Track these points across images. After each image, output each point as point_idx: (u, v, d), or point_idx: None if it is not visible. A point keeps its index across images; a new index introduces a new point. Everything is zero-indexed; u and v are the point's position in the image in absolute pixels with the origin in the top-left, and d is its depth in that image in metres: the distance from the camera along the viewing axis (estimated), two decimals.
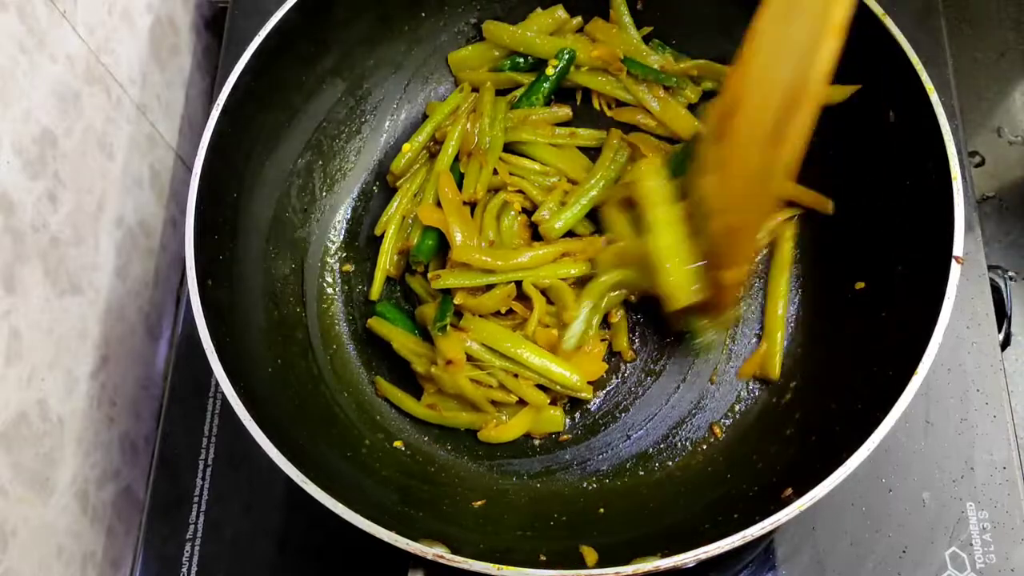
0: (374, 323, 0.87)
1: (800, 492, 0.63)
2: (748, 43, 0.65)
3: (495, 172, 0.90)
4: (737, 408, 0.84)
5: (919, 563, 0.78)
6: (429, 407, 0.84)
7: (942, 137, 0.73)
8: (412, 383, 0.86)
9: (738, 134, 0.66)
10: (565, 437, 0.84)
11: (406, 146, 0.93)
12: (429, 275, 0.86)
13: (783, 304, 0.86)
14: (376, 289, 0.90)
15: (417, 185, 0.93)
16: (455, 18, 0.98)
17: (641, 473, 0.82)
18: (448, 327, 0.82)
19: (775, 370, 0.83)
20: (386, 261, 0.91)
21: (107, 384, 0.86)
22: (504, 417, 0.83)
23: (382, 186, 0.95)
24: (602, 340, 0.86)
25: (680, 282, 0.76)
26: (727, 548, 0.60)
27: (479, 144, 0.91)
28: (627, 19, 0.96)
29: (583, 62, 0.95)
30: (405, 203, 0.92)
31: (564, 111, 0.95)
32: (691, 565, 0.60)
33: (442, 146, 0.92)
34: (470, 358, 0.81)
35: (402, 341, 0.86)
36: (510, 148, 0.93)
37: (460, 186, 0.90)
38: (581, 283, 0.85)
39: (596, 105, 0.97)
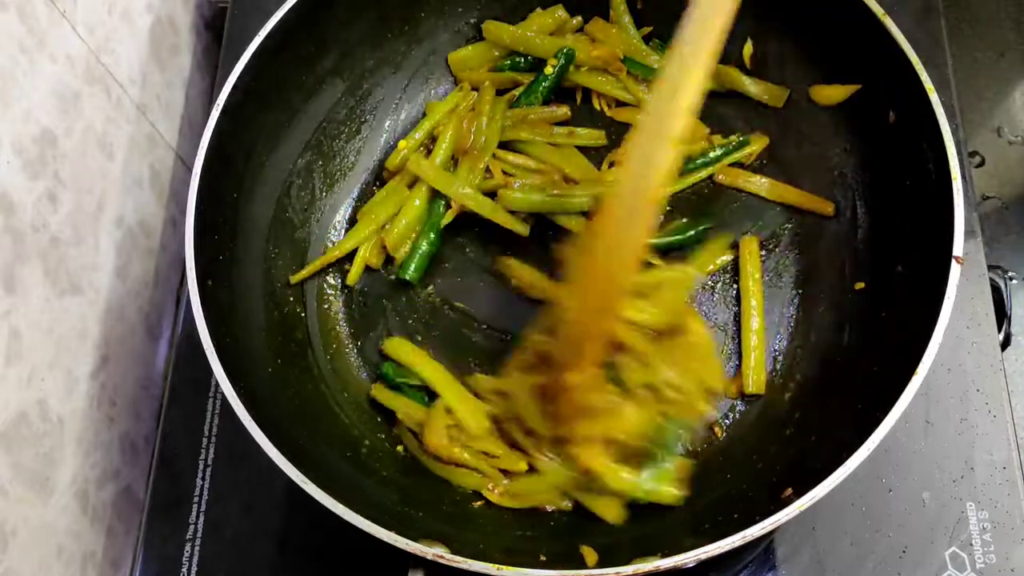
0: (377, 392, 0.83)
1: (800, 492, 0.63)
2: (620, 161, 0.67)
3: (488, 171, 0.90)
4: (737, 408, 0.84)
5: (919, 563, 0.77)
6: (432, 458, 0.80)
7: (942, 137, 0.73)
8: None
9: (595, 242, 0.69)
10: None
11: (402, 143, 0.93)
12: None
13: (757, 334, 0.84)
14: (354, 274, 0.89)
15: (407, 181, 0.92)
16: (455, 18, 0.97)
17: None
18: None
19: (758, 388, 0.83)
20: (366, 250, 0.89)
21: (107, 384, 0.86)
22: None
23: (382, 186, 0.95)
24: None
25: None
26: (727, 548, 0.60)
27: (474, 143, 0.91)
28: (627, 19, 0.96)
29: (583, 62, 0.95)
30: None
31: (562, 110, 0.95)
32: (691, 565, 0.60)
33: (436, 143, 0.92)
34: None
35: (407, 411, 0.80)
36: (510, 147, 0.93)
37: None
38: None
39: (596, 105, 0.97)
